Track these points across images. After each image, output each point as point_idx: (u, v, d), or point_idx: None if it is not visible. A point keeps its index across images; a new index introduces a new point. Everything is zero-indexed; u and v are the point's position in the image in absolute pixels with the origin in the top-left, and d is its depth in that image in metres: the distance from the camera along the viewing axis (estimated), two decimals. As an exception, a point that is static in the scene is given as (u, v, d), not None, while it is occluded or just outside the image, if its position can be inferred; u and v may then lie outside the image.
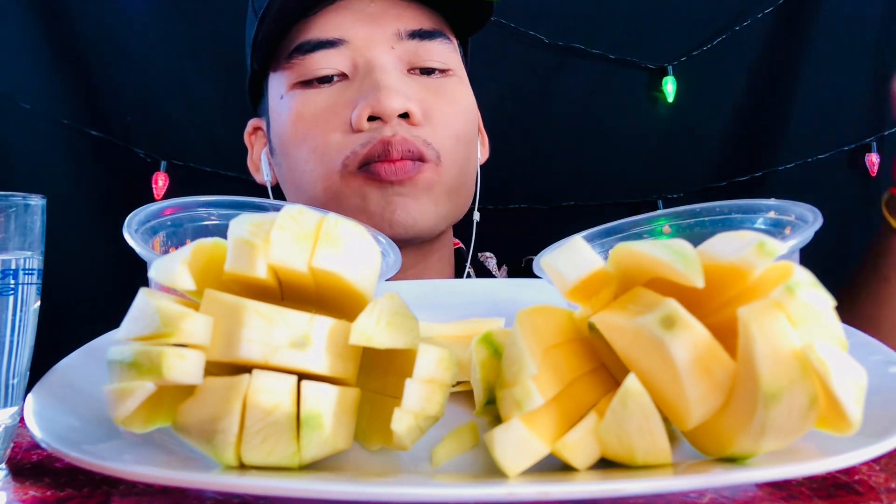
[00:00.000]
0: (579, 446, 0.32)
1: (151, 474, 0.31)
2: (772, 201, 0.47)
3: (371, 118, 0.67)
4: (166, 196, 1.04)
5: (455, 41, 0.76)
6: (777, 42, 1.14)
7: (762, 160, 1.13)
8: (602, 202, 1.09)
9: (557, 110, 1.12)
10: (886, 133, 1.15)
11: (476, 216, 0.79)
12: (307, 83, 0.70)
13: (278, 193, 0.77)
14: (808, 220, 0.42)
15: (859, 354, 0.40)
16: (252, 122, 0.82)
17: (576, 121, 1.11)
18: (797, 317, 0.30)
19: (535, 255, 0.84)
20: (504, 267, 0.87)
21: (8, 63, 1.05)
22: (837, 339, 0.31)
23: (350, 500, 0.29)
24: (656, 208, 1.11)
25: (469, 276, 0.81)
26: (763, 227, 0.47)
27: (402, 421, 0.32)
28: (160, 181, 1.05)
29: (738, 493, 0.34)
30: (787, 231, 0.45)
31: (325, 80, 0.70)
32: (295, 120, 0.70)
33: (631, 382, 0.31)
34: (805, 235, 0.41)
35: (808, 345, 0.29)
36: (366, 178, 0.67)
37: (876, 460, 0.37)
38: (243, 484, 0.30)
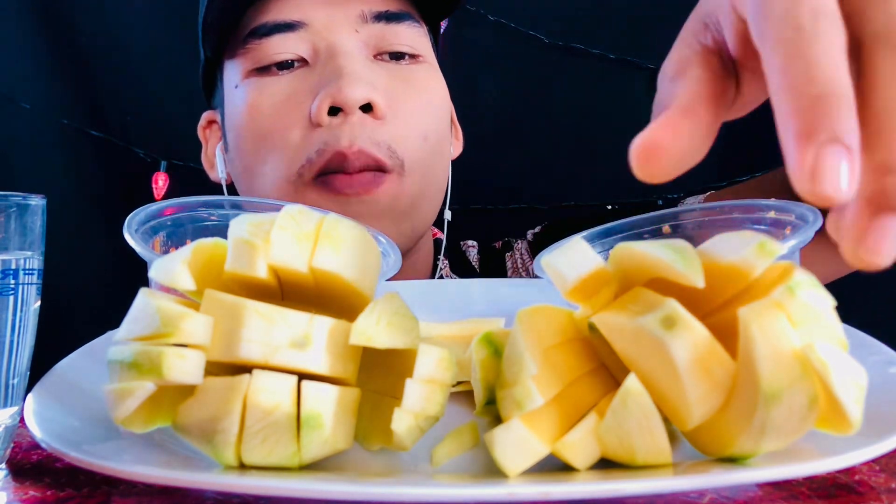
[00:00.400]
0: (579, 446, 0.32)
1: (151, 474, 0.31)
2: (772, 201, 0.47)
3: (333, 110, 0.63)
4: (166, 196, 1.04)
5: (425, 26, 0.71)
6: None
7: (763, 160, 1.13)
8: (602, 202, 1.10)
9: (557, 110, 1.12)
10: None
11: (447, 215, 0.76)
12: (264, 69, 0.66)
13: (233, 192, 0.73)
14: (808, 220, 0.42)
15: (859, 354, 0.40)
16: (206, 115, 0.77)
17: (576, 121, 1.11)
18: (797, 317, 0.30)
19: (516, 238, 0.84)
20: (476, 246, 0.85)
21: (8, 63, 1.05)
22: (838, 339, 0.31)
23: (350, 501, 0.29)
24: (656, 208, 1.11)
25: (441, 269, 0.79)
26: (763, 227, 0.47)
27: (402, 421, 0.32)
28: (160, 181, 1.05)
29: (738, 493, 0.34)
30: (787, 231, 0.45)
31: (284, 65, 0.65)
32: (251, 111, 0.66)
33: (631, 382, 0.31)
34: (805, 235, 0.41)
35: (808, 345, 0.29)
36: (322, 189, 0.63)
37: (876, 460, 0.37)
38: (243, 484, 0.30)
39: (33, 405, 0.36)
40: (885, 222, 0.26)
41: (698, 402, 0.30)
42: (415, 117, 0.66)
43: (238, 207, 0.54)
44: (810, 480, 0.35)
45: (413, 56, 0.68)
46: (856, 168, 0.26)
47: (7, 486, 0.35)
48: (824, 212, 0.30)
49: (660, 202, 1.11)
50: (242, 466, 0.32)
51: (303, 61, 0.66)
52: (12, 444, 0.39)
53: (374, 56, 0.67)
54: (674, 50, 0.34)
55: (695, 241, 0.33)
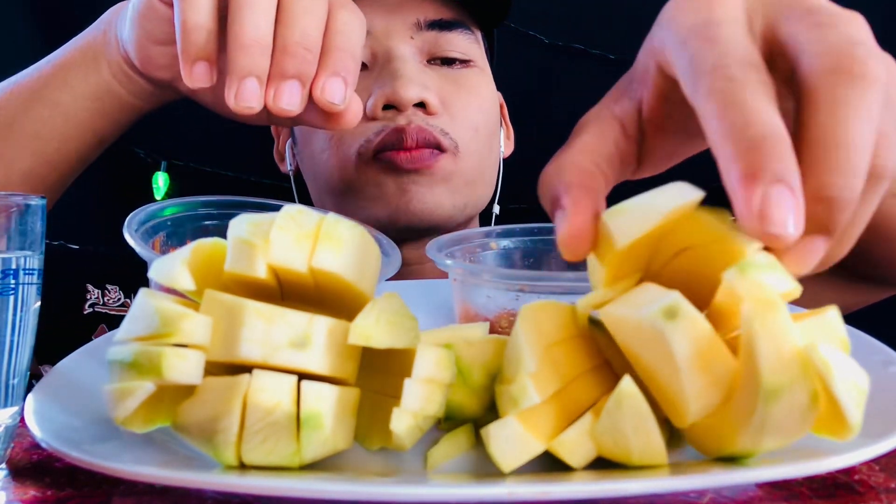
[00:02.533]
0: (575, 445, 0.32)
1: (152, 474, 0.31)
2: None
3: (386, 107, 0.67)
4: (166, 196, 1.04)
5: (477, 32, 0.75)
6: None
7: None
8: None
9: (557, 110, 1.12)
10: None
11: (496, 209, 0.79)
12: None
13: (300, 182, 0.79)
14: None
15: (859, 354, 0.40)
16: None
17: (576, 121, 1.11)
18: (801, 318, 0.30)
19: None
20: None
21: (7, 63, 1.05)
22: (840, 339, 0.31)
23: (350, 500, 0.29)
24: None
25: None
26: None
27: (402, 421, 0.32)
28: (160, 181, 1.05)
29: (738, 493, 0.34)
30: None
31: None
32: None
33: (626, 384, 0.31)
34: None
35: (811, 345, 0.29)
36: (381, 167, 0.67)
37: (876, 460, 0.37)
38: (243, 484, 0.30)
39: (33, 405, 0.37)
40: (775, 193, 0.27)
41: (696, 398, 0.30)
42: (466, 113, 0.71)
43: (238, 207, 0.54)
44: (810, 480, 0.35)
45: (464, 61, 0.72)
46: (800, 206, 0.28)
47: (7, 486, 0.35)
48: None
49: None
50: (242, 466, 0.32)
51: (361, 65, 0.70)
52: (12, 444, 0.39)
53: (428, 61, 0.71)
54: (593, 108, 0.37)
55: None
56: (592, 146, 0.34)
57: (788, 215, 0.27)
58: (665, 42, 0.33)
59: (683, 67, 0.31)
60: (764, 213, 0.27)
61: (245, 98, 0.43)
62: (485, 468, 0.35)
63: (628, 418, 0.31)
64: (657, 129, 0.35)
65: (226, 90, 0.43)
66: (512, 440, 0.32)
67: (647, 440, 0.31)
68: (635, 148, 0.35)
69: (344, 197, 0.71)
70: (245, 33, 0.43)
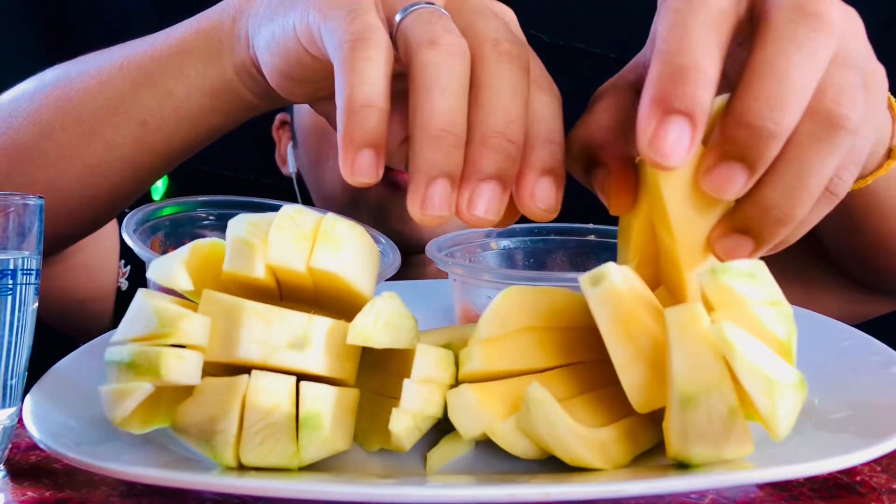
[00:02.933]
0: (510, 437, 0.33)
1: (150, 475, 0.30)
2: None
3: None
4: (165, 196, 1.04)
5: None
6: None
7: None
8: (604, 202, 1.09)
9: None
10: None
11: None
12: None
13: (302, 186, 0.79)
14: None
15: (859, 355, 0.40)
16: (279, 117, 0.82)
17: (575, 120, 1.11)
18: (720, 301, 0.30)
19: None
20: None
21: (6, 63, 1.05)
22: (775, 338, 0.31)
23: (349, 502, 0.29)
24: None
25: None
26: None
27: (401, 421, 0.32)
28: (159, 181, 1.05)
29: (739, 493, 0.34)
30: None
31: None
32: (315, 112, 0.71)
33: (532, 390, 0.31)
34: None
35: (717, 326, 0.29)
36: (387, 183, 0.66)
37: (877, 461, 0.37)
38: (242, 485, 0.30)
39: (32, 406, 0.36)
40: (671, 123, 0.29)
41: (624, 369, 0.31)
42: None
43: (237, 207, 0.54)
44: (811, 481, 0.35)
45: None
46: (696, 142, 0.29)
47: (5, 487, 0.35)
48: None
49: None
50: (241, 467, 0.32)
51: None
52: (10, 445, 0.39)
53: None
54: (609, 80, 0.39)
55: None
56: (613, 109, 0.36)
57: (679, 149, 0.29)
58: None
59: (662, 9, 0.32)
60: (657, 139, 0.29)
61: (434, 205, 0.33)
62: (485, 469, 0.34)
63: (540, 423, 0.31)
64: None
65: (410, 193, 0.33)
66: (467, 409, 0.33)
67: (564, 444, 0.31)
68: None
69: (347, 208, 0.71)
70: (435, 120, 0.33)
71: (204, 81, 0.51)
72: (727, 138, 0.30)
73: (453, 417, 0.33)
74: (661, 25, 0.31)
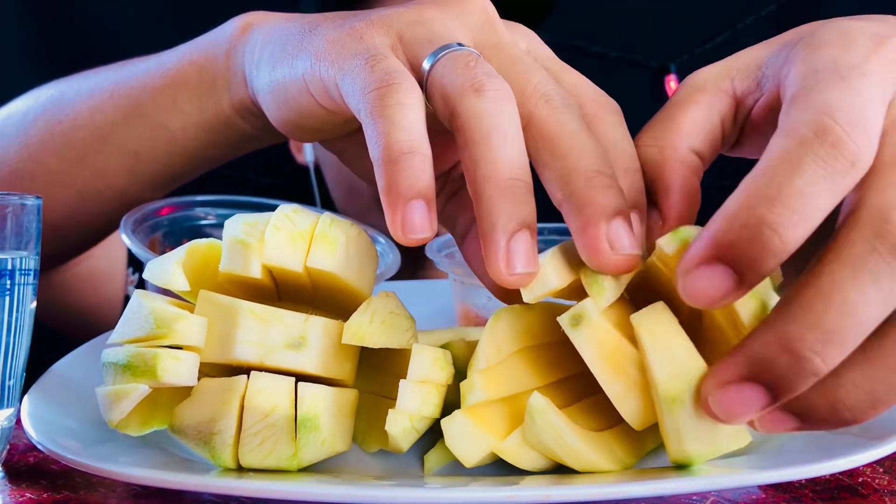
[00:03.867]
0: (518, 452, 0.32)
1: (149, 477, 0.30)
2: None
3: None
4: (164, 195, 1.04)
5: None
6: (779, 41, 1.14)
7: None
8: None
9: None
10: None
11: None
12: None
13: (319, 176, 0.76)
14: None
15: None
16: None
17: (577, 120, 1.11)
18: None
19: None
20: None
21: (6, 62, 1.05)
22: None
23: (348, 503, 0.29)
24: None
25: None
26: None
27: (397, 422, 0.32)
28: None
29: (740, 495, 0.34)
30: None
31: None
32: None
33: (534, 400, 0.31)
34: None
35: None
36: None
37: (880, 462, 0.37)
38: (241, 486, 0.30)
39: (29, 407, 0.36)
40: (713, 272, 0.26)
41: (620, 401, 0.31)
42: None
43: (235, 206, 0.54)
44: (813, 482, 0.35)
45: None
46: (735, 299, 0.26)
47: (3, 489, 0.35)
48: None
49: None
50: (240, 469, 0.32)
51: None
52: (8, 446, 0.39)
53: None
54: (714, 66, 0.36)
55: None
56: (698, 122, 0.34)
57: (716, 297, 0.26)
58: (791, 68, 0.30)
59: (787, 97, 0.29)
60: (693, 285, 0.26)
61: (521, 261, 0.30)
62: (484, 471, 0.34)
63: (545, 431, 0.31)
64: (753, 128, 0.35)
65: (489, 254, 0.30)
66: (463, 435, 0.32)
67: (572, 451, 0.31)
68: (738, 131, 0.35)
69: (369, 209, 0.69)
70: (503, 169, 0.30)
71: (200, 116, 0.48)
72: (759, 357, 0.26)
73: (452, 447, 0.32)
74: (785, 117, 0.28)
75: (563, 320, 0.31)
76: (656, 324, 0.29)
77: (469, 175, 0.31)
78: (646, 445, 0.33)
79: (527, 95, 0.33)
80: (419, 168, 0.30)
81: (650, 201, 0.33)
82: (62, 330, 0.72)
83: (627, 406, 0.31)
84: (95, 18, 1.06)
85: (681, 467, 0.31)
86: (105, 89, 0.52)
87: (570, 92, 0.35)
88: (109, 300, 0.72)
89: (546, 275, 0.31)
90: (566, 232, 0.53)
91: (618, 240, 0.30)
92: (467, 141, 0.31)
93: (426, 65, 0.34)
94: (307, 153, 0.77)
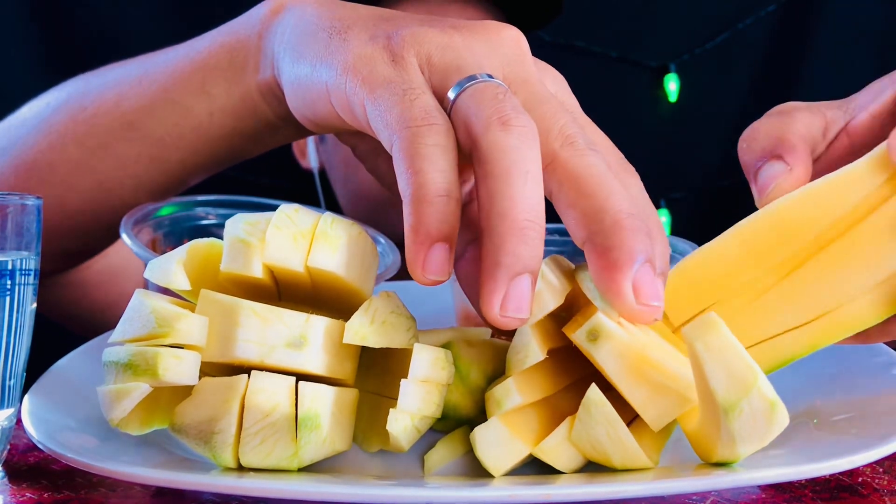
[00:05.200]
0: (558, 451, 0.32)
1: (149, 476, 0.30)
2: None
3: None
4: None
5: None
6: (781, 40, 1.14)
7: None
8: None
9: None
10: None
11: None
12: None
13: (324, 180, 0.76)
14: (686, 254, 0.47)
15: (862, 356, 0.40)
16: None
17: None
18: None
19: None
20: None
21: (4, 62, 1.05)
22: None
23: (348, 503, 0.29)
24: (658, 208, 1.11)
25: None
26: None
27: (398, 422, 0.32)
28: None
29: (740, 495, 0.34)
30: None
31: None
32: None
33: (592, 392, 0.31)
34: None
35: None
36: None
37: (880, 462, 0.37)
38: (241, 486, 0.30)
39: (30, 406, 0.36)
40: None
41: (644, 408, 0.31)
42: None
43: (236, 206, 0.54)
44: (813, 482, 0.35)
45: None
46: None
47: (4, 489, 0.35)
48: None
49: (661, 202, 1.11)
50: (240, 468, 0.32)
51: None
52: (9, 446, 0.39)
53: None
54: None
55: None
56: (805, 121, 0.37)
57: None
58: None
59: None
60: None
61: (517, 306, 0.30)
62: (484, 471, 0.34)
63: (600, 425, 0.31)
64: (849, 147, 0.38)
65: (486, 291, 0.30)
66: (498, 443, 0.32)
67: (622, 445, 0.31)
68: (823, 150, 0.39)
69: (380, 210, 0.69)
70: (520, 209, 0.30)
71: (227, 101, 0.47)
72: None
73: (482, 454, 0.32)
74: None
75: (580, 337, 0.31)
76: (709, 335, 0.29)
77: (483, 208, 0.31)
78: (662, 442, 0.34)
79: (552, 136, 0.32)
80: (450, 212, 0.31)
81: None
82: (79, 331, 0.71)
83: (651, 412, 0.31)
84: (96, 20, 1.06)
85: (720, 465, 0.31)
86: (133, 77, 0.51)
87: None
88: (128, 296, 0.72)
89: (544, 298, 0.32)
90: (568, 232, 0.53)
91: (643, 288, 0.29)
92: (487, 174, 0.31)
93: (452, 94, 0.33)
94: (311, 159, 0.76)
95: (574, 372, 0.35)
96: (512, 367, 0.33)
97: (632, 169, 0.35)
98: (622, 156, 0.35)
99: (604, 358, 0.31)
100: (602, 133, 0.36)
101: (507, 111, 0.31)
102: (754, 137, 0.37)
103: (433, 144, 0.31)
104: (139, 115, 0.50)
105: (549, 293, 0.32)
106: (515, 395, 0.32)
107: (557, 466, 0.33)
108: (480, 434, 0.33)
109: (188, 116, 0.48)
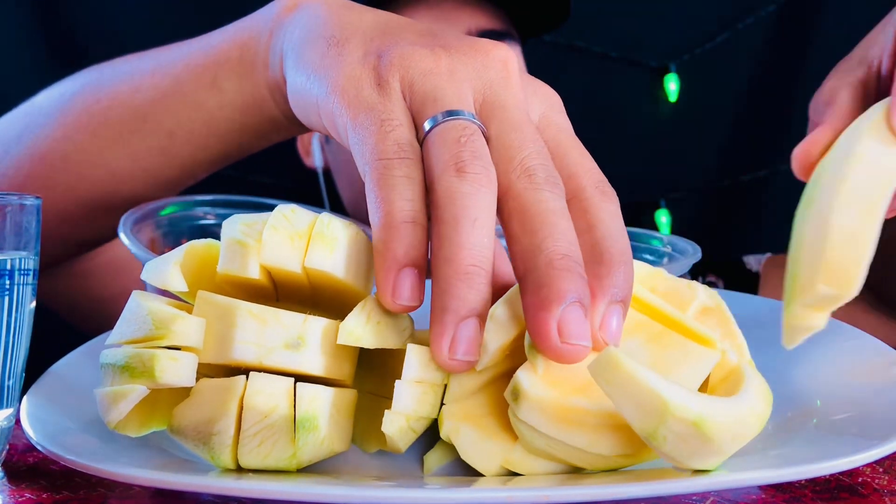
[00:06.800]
0: (526, 462, 0.32)
1: (148, 477, 0.30)
2: (655, 234, 0.53)
3: None
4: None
5: (519, 45, 0.77)
6: (781, 40, 1.14)
7: (766, 159, 1.13)
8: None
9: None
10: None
11: None
12: None
13: (328, 179, 0.76)
14: (687, 253, 0.48)
15: (862, 355, 0.40)
16: None
17: (577, 120, 1.10)
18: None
19: None
20: None
21: (4, 62, 1.05)
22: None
23: (347, 504, 0.29)
24: (658, 208, 1.11)
25: None
26: (650, 256, 0.53)
27: (393, 423, 0.32)
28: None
29: (740, 495, 0.34)
30: (665, 262, 0.52)
31: None
32: None
33: (512, 415, 0.31)
34: (680, 266, 0.46)
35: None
36: None
37: (880, 462, 0.37)
38: (240, 487, 0.29)
39: (29, 407, 0.36)
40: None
41: (592, 447, 0.31)
42: None
43: (235, 206, 0.54)
44: (813, 482, 0.35)
45: None
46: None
47: (3, 489, 0.35)
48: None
49: (661, 202, 1.11)
50: (239, 469, 0.32)
51: None
52: (8, 447, 0.39)
53: None
54: (826, 83, 0.42)
55: None
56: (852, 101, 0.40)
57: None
58: None
59: None
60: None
61: (464, 348, 0.31)
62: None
63: (536, 440, 0.31)
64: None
65: (435, 334, 0.31)
66: (474, 445, 0.33)
67: (567, 450, 0.31)
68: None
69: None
70: (466, 255, 0.31)
71: (237, 96, 0.48)
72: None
73: (468, 459, 0.33)
74: None
75: (507, 396, 0.31)
76: (609, 372, 0.29)
77: (433, 253, 0.31)
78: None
79: (513, 165, 0.33)
80: (417, 238, 0.31)
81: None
82: (80, 324, 0.72)
83: (604, 447, 0.31)
84: (96, 19, 1.06)
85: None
86: (146, 70, 0.52)
87: (571, 171, 0.35)
88: (130, 290, 0.72)
89: (488, 341, 0.32)
90: None
91: (568, 327, 0.29)
92: (438, 219, 0.31)
93: (426, 126, 0.34)
94: (316, 158, 0.77)
95: None
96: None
97: (611, 193, 0.35)
98: (603, 179, 0.35)
99: (526, 416, 0.31)
100: (587, 155, 0.36)
101: (465, 156, 0.32)
102: (816, 100, 0.41)
103: (401, 176, 0.33)
104: (152, 107, 0.51)
105: (495, 335, 0.32)
106: (448, 421, 0.33)
107: (540, 474, 0.33)
108: (456, 440, 0.33)
109: (199, 110, 0.49)
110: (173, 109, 0.50)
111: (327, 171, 0.79)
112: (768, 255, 0.85)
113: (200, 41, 0.51)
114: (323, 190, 0.79)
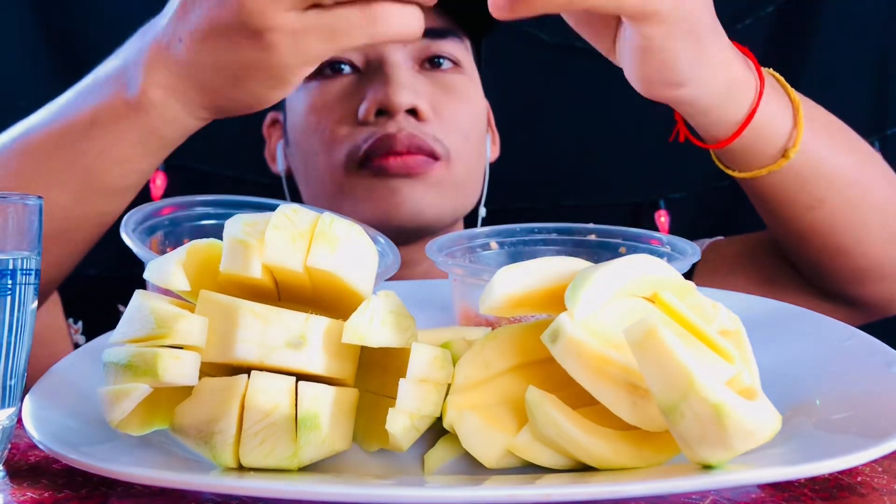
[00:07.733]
0: (532, 449, 0.33)
1: (149, 476, 0.30)
2: (658, 234, 0.53)
3: (379, 113, 0.68)
4: (165, 195, 1.04)
5: (466, 41, 0.77)
6: (778, 42, 1.14)
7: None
8: (604, 202, 1.09)
9: (558, 110, 1.11)
10: (889, 132, 1.15)
11: (482, 212, 0.81)
12: (318, 72, 0.71)
13: (292, 182, 0.80)
14: (686, 253, 0.48)
15: (861, 354, 0.40)
16: (270, 115, 0.85)
17: (576, 120, 1.11)
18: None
19: None
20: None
21: (4, 62, 1.05)
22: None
23: (347, 503, 0.29)
24: (658, 208, 1.11)
25: None
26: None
27: (397, 421, 0.32)
28: (158, 181, 1.05)
29: (740, 494, 0.34)
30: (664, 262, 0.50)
31: (337, 68, 0.72)
32: (308, 111, 0.73)
33: (530, 394, 0.32)
34: (679, 265, 0.46)
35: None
36: (370, 173, 0.68)
37: (879, 461, 0.37)
38: (241, 486, 0.30)
39: (31, 406, 0.36)
40: None
41: (613, 405, 0.31)
42: (455, 118, 0.72)
43: (236, 206, 0.54)
44: (812, 481, 0.35)
45: (455, 65, 0.74)
46: None
47: (5, 488, 0.35)
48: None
49: (661, 202, 1.11)
50: (240, 468, 0.32)
51: (355, 69, 0.72)
52: (10, 446, 0.39)
53: (419, 67, 0.72)
54: None
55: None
56: None
57: None
58: None
59: None
60: None
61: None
62: (485, 470, 0.34)
63: (546, 426, 0.31)
64: None
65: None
66: (477, 434, 0.33)
67: (575, 443, 0.31)
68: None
69: (335, 199, 0.72)
70: None
71: (133, 137, 0.53)
72: None
73: (468, 447, 0.33)
74: None
75: (545, 338, 0.32)
76: (644, 337, 0.29)
77: None
78: (669, 443, 0.34)
79: None
80: None
81: None
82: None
83: (623, 410, 0.31)
84: (97, 25, 1.06)
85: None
86: (32, 134, 0.60)
87: None
88: (62, 354, 0.73)
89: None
90: (567, 231, 0.54)
91: None
92: None
93: None
94: (279, 162, 0.81)
95: (562, 382, 0.35)
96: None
97: None
98: None
99: (561, 357, 0.31)
100: None
101: None
102: None
103: None
104: (51, 156, 0.57)
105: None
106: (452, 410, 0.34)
107: (541, 463, 0.33)
108: (458, 427, 0.33)
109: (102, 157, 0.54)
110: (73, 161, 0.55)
111: (289, 174, 0.82)
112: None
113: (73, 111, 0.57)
114: (286, 194, 0.81)
